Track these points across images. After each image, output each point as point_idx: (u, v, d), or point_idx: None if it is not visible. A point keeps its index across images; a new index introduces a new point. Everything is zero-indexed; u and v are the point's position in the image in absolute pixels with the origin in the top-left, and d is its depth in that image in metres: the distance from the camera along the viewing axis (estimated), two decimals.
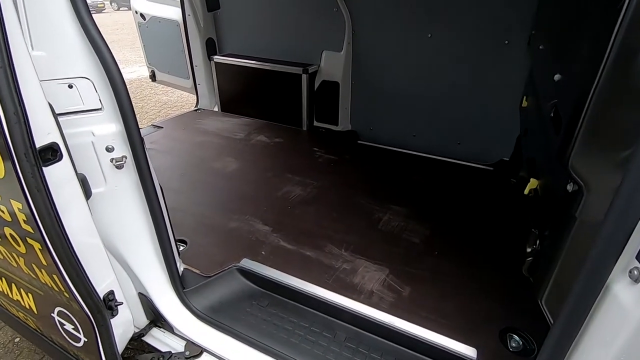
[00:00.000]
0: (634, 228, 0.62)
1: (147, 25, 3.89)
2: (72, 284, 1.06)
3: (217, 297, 1.65)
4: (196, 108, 3.84)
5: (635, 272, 0.63)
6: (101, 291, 1.19)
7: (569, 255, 0.82)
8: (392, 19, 2.73)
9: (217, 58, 3.48)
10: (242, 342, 1.48)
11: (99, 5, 22.43)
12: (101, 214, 1.30)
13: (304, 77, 3.06)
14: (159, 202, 1.38)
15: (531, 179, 1.23)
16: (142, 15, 3.88)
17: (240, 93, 3.55)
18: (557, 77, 1.03)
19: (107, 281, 1.23)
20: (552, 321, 0.92)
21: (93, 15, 1.11)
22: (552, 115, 0.99)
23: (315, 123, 3.36)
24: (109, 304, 1.22)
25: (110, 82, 1.13)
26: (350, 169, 2.66)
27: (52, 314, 1.26)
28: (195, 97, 3.86)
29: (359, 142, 3.15)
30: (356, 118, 3.23)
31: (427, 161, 2.83)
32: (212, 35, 3.57)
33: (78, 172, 1.14)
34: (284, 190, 2.35)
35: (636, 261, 0.64)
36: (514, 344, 1.37)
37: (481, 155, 2.77)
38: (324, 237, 1.92)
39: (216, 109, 3.81)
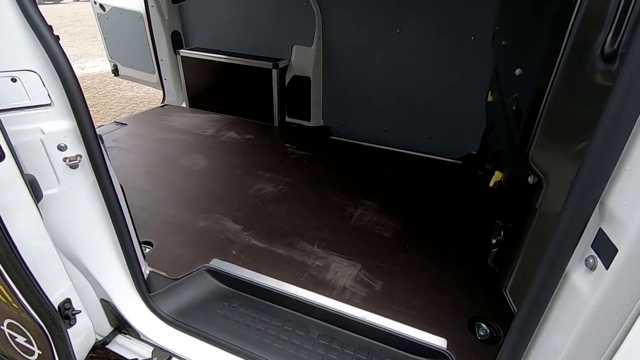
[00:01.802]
0: (589, 218, 0.64)
1: (108, 17, 3.69)
2: (21, 293, 0.98)
3: (185, 300, 1.59)
4: (163, 104, 3.70)
5: (591, 261, 0.65)
6: (55, 300, 1.11)
7: (530, 246, 0.84)
8: (362, 13, 2.73)
9: (184, 52, 3.36)
10: (212, 344, 1.44)
11: None
12: (55, 217, 1.21)
13: (274, 72, 3.01)
14: (119, 203, 1.31)
15: (496, 172, 1.26)
16: (101, 5, 3.68)
17: (209, 88, 3.44)
18: (518, 71, 1.06)
19: (62, 289, 1.15)
20: (516, 310, 0.95)
21: (50, 5, 1.02)
22: (514, 108, 1.02)
23: (287, 119, 3.32)
24: (66, 313, 1.14)
25: (59, 77, 1.05)
26: (323, 165, 2.65)
27: (1, 327, 1.17)
28: (162, 93, 3.71)
29: (331, 137, 3.14)
30: (328, 113, 3.22)
31: (398, 156, 2.86)
32: (178, 28, 3.43)
33: (26, 172, 1.06)
34: (255, 187, 2.30)
35: (591, 250, 0.66)
36: (481, 333, 1.41)
37: (450, 149, 2.83)
38: (296, 234, 1.90)
39: (184, 104, 3.68)
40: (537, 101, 0.73)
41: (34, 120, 1.12)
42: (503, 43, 1.57)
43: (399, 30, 2.68)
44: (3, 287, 0.96)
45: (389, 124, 3.03)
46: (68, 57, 1.07)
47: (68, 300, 1.16)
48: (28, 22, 1.00)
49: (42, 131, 1.13)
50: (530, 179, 0.82)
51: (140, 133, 3.00)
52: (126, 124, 3.15)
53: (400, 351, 1.39)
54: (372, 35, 2.77)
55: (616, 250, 0.58)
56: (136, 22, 3.51)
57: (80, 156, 1.21)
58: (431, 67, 2.70)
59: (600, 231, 0.63)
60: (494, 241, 1.11)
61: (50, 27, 1.05)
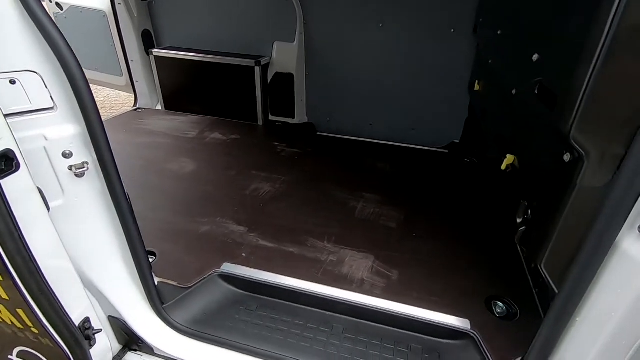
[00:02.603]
0: None
1: (66, 16, 3.42)
2: (44, 315, 0.89)
3: (200, 308, 1.52)
4: (135, 107, 3.50)
5: None
6: (76, 319, 1.02)
7: (568, 220, 0.89)
8: (343, 8, 2.73)
9: (157, 52, 3.19)
10: (234, 350, 1.39)
11: None
12: (60, 230, 1.11)
13: (257, 69, 2.94)
14: (132, 211, 1.22)
15: (507, 155, 1.32)
16: (58, 4, 3.41)
17: (187, 89, 3.30)
18: (535, 57, 1.11)
19: (82, 307, 1.06)
20: (552, 283, 1.00)
21: None
22: (536, 92, 1.07)
23: (271, 117, 3.27)
24: (86, 333, 1.06)
25: (67, 76, 0.96)
26: (315, 161, 2.63)
27: (9, 357, 1.06)
28: (133, 96, 3.50)
29: (318, 133, 3.13)
30: (313, 110, 3.20)
31: (386, 148, 2.91)
32: (149, 26, 3.25)
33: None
34: (252, 187, 2.24)
35: None
36: (499, 310, 1.47)
37: (434, 139, 2.93)
38: (303, 232, 1.87)
39: (159, 107, 3.51)
40: (577, 82, 0.77)
41: (36, 126, 1.02)
42: (499, 32, 1.64)
43: (381, 24, 2.72)
44: (23, 310, 0.87)
45: (374, 118, 3.07)
46: (75, 55, 0.98)
47: (87, 320, 1.07)
48: (30, 17, 0.90)
49: (45, 138, 1.04)
50: (567, 157, 0.87)
51: (117, 139, 2.82)
52: None
53: (426, 336, 1.42)
54: (355, 29, 2.79)
55: None
56: (99, 21, 3.29)
57: (87, 163, 1.12)
58: (413, 59, 2.76)
59: None
60: (519, 220, 1.16)
61: (51, 19, 0.96)
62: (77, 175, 1.11)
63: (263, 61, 2.95)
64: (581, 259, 0.80)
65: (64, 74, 0.96)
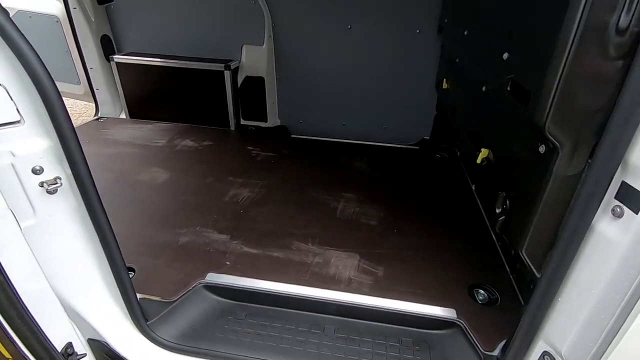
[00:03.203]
0: (614, 174, 0.75)
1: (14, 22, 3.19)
2: (24, 344, 0.83)
3: (186, 322, 1.48)
4: (97, 117, 3.32)
5: (618, 210, 0.76)
6: (58, 345, 0.96)
7: (545, 207, 0.96)
8: (312, 11, 2.75)
9: (119, 58, 3.05)
10: None
11: None
12: (33, 251, 1.04)
13: (227, 73, 2.89)
14: (111, 227, 1.17)
15: (482, 149, 1.39)
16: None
17: (153, 96, 3.18)
18: (505, 55, 1.18)
19: (63, 331, 1.00)
20: (532, 268, 1.06)
21: None
22: (508, 89, 1.14)
23: (243, 121, 3.22)
24: (70, 359, 0.99)
25: (37, 88, 0.90)
26: (292, 164, 2.63)
27: None
28: (94, 105, 3.32)
29: (292, 136, 3.12)
30: (285, 112, 3.19)
31: (360, 147, 2.96)
32: (107, 32, 3.10)
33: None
34: (230, 194, 2.20)
35: (615, 200, 0.77)
36: (481, 297, 1.55)
37: (405, 136, 3.01)
38: (287, 235, 1.86)
39: (123, 115, 3.35)
40: (550, 77, 0.83)
41: (1, 141, 0.94)
42: (465, 33, 1.72)
43: (349, 26, 2.76)
44: (2, 342, 0.80)
45: (346, 118, 3.11)
46: (45, 65, 0.92)
47: (70, 345, 1.01)
48: None
49: (12, 154, 0.96)
50: (542, 149, 0.93)
51: None
52: None
53: (415, 329, 1.46)
54: (323, 31, 2.81)
55: None
56: (52, 26, 3.09)
57: (60, 179, 1.05)
58: (381, 60, 2.83)
59: (624, 183, 0.75)
60: (498, 210, 1.22)
61: (16, 26, 0.90)
62: (49, 192, 1.04)
63: (232, 65, 2.91)
64: (561, 243, 0.86)
65: (32, 85, 0.90)
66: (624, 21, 0.69)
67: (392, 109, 3.01)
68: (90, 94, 3.29)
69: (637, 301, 0.76)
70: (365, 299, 1.52)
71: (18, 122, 0.96)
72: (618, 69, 0.73)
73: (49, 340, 0.87)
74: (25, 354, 0.83)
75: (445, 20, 2.34)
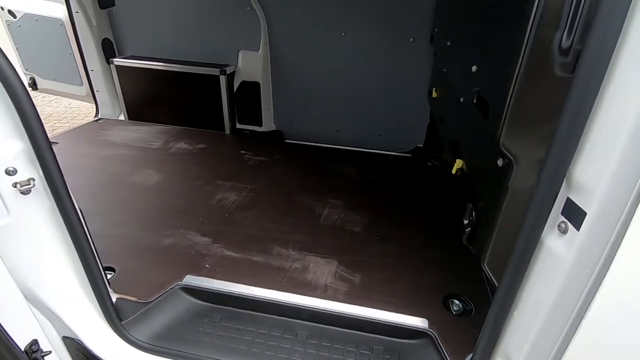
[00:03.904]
0: (559, 190, 0.76)
1: (20, 24, 3.29)
2: None
3: (161, 323, 1.50)
4: (97, 118, 3.39)
5: (563, 225, 0.76)
6: (22, 342, 0.99)
7: (504, 221, 0.96)
8: (307, 18, 2.78)
9: (118, 61, 3.12)
10: None
11: None
12: (6, 250, 1.07)
13: (222, 78, 2.93)
14: (83, 227, 1.20)
15: (457, 160, 1.39)
16: (10, 12, 3.27)
17: (151, 98, 3.24)
18: (474, 68, 1.18)
19: (29, 329, 1.02)
20: (494, 280, 1.06)
21: None
22: (475, 101, 1.14)
23: (238, 125, 3.26)
24: (34, 357, 1.02)
25: (7, 91, 0.94)
26: (282, 169, 2.65)
27: None
28: (95, 106, 3.40)
29: (286, 141, 3.15)
30: (280, 117, 3.22)
31: (353, 154, 2.97)
32: (109, 35, 3.18)
33: None
34: (218, 197, 2.23)
35: (561, 216, 0.78)
36: (455, 308, 1.54)
37: (399, 144, 3.01)
38: (269, 240, 1.88)
39: (122, 117, 3.42)
40: (504, 93, 0.84)
41: None
42: (448, 44, 1.73)
43: (343, 34, 2.78)
44: None
45: (340, 124, 3.13)
46: (13, 65, 0.96)
47: (35, 342, 1.03)
48: None
49: None
50: (500, 162, 0.93)
51: (78, 152, 2.73)
52: (57, 143, 2.84)
53: (387, 337, 1.46)
54: (318, 38, 2.84)
55: (585, 214, 0.70)
56: (56, 29, 3.18)
57: (33, 179, 1.08)
58: (376, 67, 2.85)
59: (569, 200, 0.75)
60: (466, 221, 1.22)
61: None
62: (22, 193, 1.08)
63: (228, 70, 2.95)
64: (514, 257, 0.86)
65: (3, 88, 0.94)
66: (566, 41, 0.70)
67: (386, 116, 3.01)
68: (91, 95, 3.37)
69: (583, 317, 0.76)
70: (340, 306, 1.52)
71: None
72: (562, 87, 0.73)
73: (10, 337, 0.90)
74: None
75: (436, 30, 2.35)
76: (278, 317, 1.53)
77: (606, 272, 0.67)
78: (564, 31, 0.69)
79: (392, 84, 2.88)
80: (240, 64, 3.01)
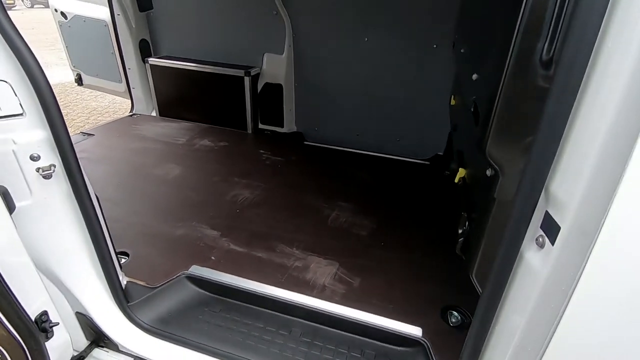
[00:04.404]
0: (537, 203, 0.74)
1: (70, 25, 3.58)
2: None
3: (165, 308, 1.58)
4: (131, 113, 3.62)
5: (540, 239, 0.74)
6: (32, 312, 1.09)
7: (491, 232, 0.94)
8: (331, 22, 2.83)
9: (153, 60, 3.32)
10: (195, 350, 1.44)
11: (7, 2, 19.95)
12: (29, 228, 1.19)
13: (247, 79, 3.04)
14: (96, 212, 1.30)
15: (460, 169, 1.37)
16: (63, 13, 3.57)
17: (180, 97, 3.42)
18: (474, 76, 1.17)
19: (39, 301, 1.13)
20: (480, 292, 1.04)
21: None
22: (472, 110, 1.13)
23: (260, 125, 3.35)
24: (43, 326, 1.12)
25: (33, 85, 1.05)
26: (298, 170, 2.70)
27: None
28: (130, 102, 3.63)
29: (305, 143, 3.20)
30: (301, 119, 3.28)
31: (370, 158, 2.97)
32: (146, 36, 3.39)
33: None
34: (232, 194, 2.31)
35: (540, 230, 0.76)
36: (453, 320, 1.51)
37: (419, 151, 2.98)
38: (275, 238, 1.93)
39: (154, 113, 3.63)
40: (491, 102, 0.83)
41: (6, 130, 1.10)
42: (462, 51, 1.71)
43: (366, 39, 2.80)
44: None
45: (360, 128, 3.14)
46: (41, 65, 1.07)
47: (45, 313, 1.14)
48: None
49: (14, 141, 1.11)
50: (489, 172, 0.92)
51: (110, 143, 2.93)
52: (93, 135, 3.06)
53: (379, 342, 1.46)
54: (341, 43, 2.88)
55: (559, 228, 0.68)
56: (101, 30, 3.43)
57: (54, 166, 1.19)
58: (398, 73, 2.84)
59: (547, 213, 0.73)
60: (460, 231, 1.20)
61: (20, 33, 1.05)
62: (44, 177, 1.19)
63: (253, 72, 3.05)
64: (494, 269, 0.85)
65: (30, 84, 1.05)
66: (546, 53, 0.68)
67: (407, 122, 2.99)
68: (128, 92, 3.61)
69: (554, 332, 0.73)
70: (335, 307, 1.54)
71: (21, 114, 1.11)
72: (543, 98, 0.71)
73: (21, 306, 1.00)
74: (0, 317, 0.96)
75: (456, 36, 2.31)
76: (274, 313, 1.57)
77: (575, 288, 0.65)
78: (544, 43, 0.68)
79: (414, 89, 2.86)
80: (264, 66, 3.11)
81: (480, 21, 1.23)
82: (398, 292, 1.63)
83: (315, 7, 2.82)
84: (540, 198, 0.73)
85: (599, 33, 0.56)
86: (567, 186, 0.66)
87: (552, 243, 0.70)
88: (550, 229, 0.71)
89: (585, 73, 0.60)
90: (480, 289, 1.06)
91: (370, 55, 2.85)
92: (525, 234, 0.77)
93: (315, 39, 2.94)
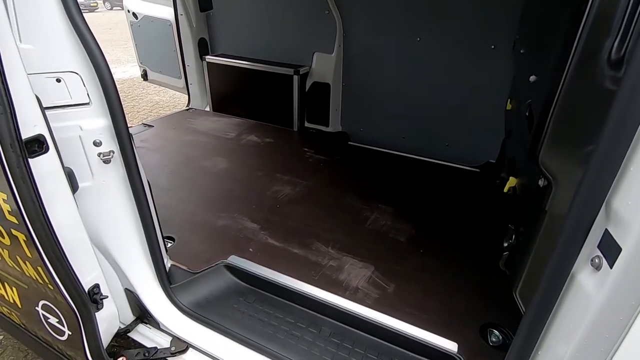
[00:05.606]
0: (595, 219, 0.66)
1: (140, 25, 3.89)
2: (57, 276, 1.07)
3: (203, 293, 1.65)
4: (188, 107, 3.85)
5: (597, 260, 0.66)
6: (86, 284, 1.19)
7: (539, 248, 0.86)
8: (382, 22, 2.78)
9: (209, 58, 3.50)
10: (227, 337, 1.49)
11: (91, 4, 22.18)
12: (88, 207, 1.30)
13: (295, 78, 3.09)
14: (147, 198, 1.39)
15: (510, 178, 1.27)
16: (134, 14, 3.89)
17: (232, 93, 3.56)
18: (532, 78, 1.07)
19: (93, 275, 1.23)
20: (524, 312, 0.95)
21: (85, 14, 1.12)
22: (527, 114, 1.04)
23: (306, 124, 3.39)
24: (94, 297, 1.22)
25: (98, 77, 1.14)
26: (340, 169, 2.69)
27: (36, 308, 1.26)
28: (187, 97, 3.86)
29: (349, 143, 3.18)
30: (347, 119, 3.27)
31: (415, 162, 2.87)
32: (205, 35, 3.58)
33: (65, 165, 1.15)
34: (274, 189, 2.36)
35: (597, 250, 0.67)
36: (494, 339, 1.41)
37: (468, 157, 2.82)
38: (311, 235, 1.94)
39: (208, 108, 3.82)
40: (547, 106, 0.75)
41: (74, 117, 1.22)
42: (522, 51, 1.58)
43: (419, 39, 2.71)
44: (42, 269, 1.05)
45: (407, 131, 3.05)
46: (107, 60, 1.16)
47: (97, 286, 1.24)
48: (73, 27, 1.09)
49: (80, 128, 1.23)
50: (541, 182, 0.84)
51: (166, 135, 3.14)
52: (153, 126, 3.30)
53: (410, 353, 1.40)
54: (392, 43, 2.81)
55: (620, 250, 0.60)
56: (166, 29, 3.69)
57: (113, 152, 1.30)
58: (451, 75, 2.71)
59: (606, 232, 0.65)
60: (505, 245, 1.12)
61: (90, 30, 1.15)
62: (104, 162, 1.30)
63: (302, 70, 3.10)
64: (540, 290, 0.77)
65: (97, 78, 1.15)
66: (616, 52, 0.60)
67: (458, 127, 2.85)
68: (186, 87, 3.84)
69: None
70: (367, 311, 1.50)
71: (87, 104, 1.23)
72: (607, 101, 0.63)
73: (77, 277, 1.10)
74: (58, 283, 1.07)
75: (517, 36, 2.15)
76: (306, 310, 1.58)
77: (635, 319, 0.57)
78: (614, 40, 0.60)
79: (468, 93, 2.71)
80: (314, 65, 3.13)
81: (543, 18, 1.13)
82: (434, 303, 1.55)
83: (367, 6, 2.78)
84: (600, 214, 0.65)
85: None
86: (632, 202, 0.58)
87: (611, 266, 0.62)
88: (610, 249, 0.63)
89: None
90: (523, 308, 0.97)
91: (422, 56, 2.76)
92: (579, 252, 0.69)
93: (365, 38, 2.90)
